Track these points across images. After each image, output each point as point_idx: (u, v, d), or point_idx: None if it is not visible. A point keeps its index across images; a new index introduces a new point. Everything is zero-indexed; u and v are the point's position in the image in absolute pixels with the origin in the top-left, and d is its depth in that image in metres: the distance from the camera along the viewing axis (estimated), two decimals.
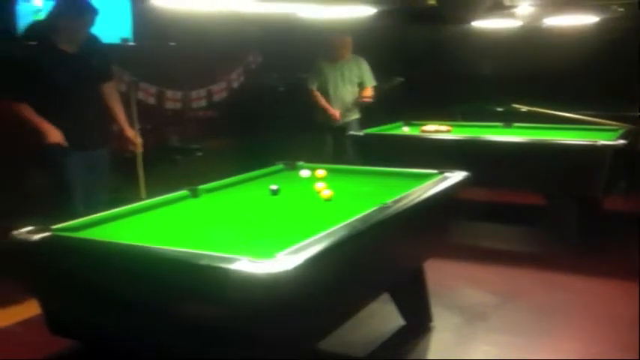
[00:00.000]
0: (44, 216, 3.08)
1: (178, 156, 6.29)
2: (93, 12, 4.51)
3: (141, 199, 3.77)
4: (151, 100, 6.49)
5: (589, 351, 3.59)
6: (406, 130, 6.33)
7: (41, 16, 5.69)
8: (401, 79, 6.85)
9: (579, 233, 5.27)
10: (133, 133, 4.82)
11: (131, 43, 7.57)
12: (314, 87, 6.87)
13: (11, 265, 2.82)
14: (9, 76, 4.43)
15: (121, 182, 5.21)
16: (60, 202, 4.38)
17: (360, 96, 6.83)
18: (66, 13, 4.43)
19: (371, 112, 6.99)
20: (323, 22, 5.87)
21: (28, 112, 4.34)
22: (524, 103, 7.89)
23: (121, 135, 4.81)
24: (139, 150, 4.91)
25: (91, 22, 4.51)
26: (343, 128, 6.70)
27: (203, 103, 7.18)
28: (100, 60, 4.68)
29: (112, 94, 4.75)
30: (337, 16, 5.50)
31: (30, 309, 3.51)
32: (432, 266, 3.86)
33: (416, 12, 7.35)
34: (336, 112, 6.77)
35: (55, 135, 4.35)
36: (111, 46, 6.64)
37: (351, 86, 6.88)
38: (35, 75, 4.32)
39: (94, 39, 4.66)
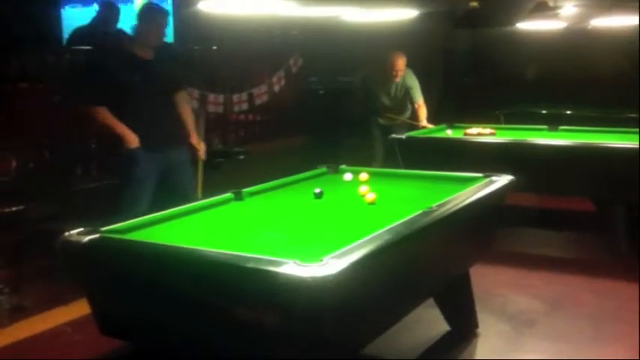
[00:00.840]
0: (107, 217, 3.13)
1: (221, 159, 6.33)
2: (165, 15, 4.70)
3: (197, 199, 3.83)
4: (194, 104, 6.55)
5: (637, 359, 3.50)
6: (449, 133, 6.28)
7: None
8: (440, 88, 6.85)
9: (629, 240, 5.15)
10: (197, 141, 4.94)
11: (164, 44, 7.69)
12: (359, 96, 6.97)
13: (62, 267, 2.86)
14: (86, 81, 4.65)
15: None
16: (127, 203, 4.48)
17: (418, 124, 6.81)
18: (142, 19, 4.59)
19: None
20: (365, 25, 5.86)
21: (105, 116, 4.45)
22: (568, 106, 7.79)
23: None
24: (202, 157, 5.02)
25: (164, 25, 4.68)
26: (391, 126, 6.76)
27: (245, 106, 7.22)
28: (173, 67, 4.86)
29: (183, 102, 4.89)
30: (379, 20, 5.48)
31: (79, 309, 3.57)
32: (478, 272, 3.81)
33: (459, 14, 7.29)
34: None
35: (132, 139, 4.47)
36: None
37: (401, 100, 6.90)
38: (111, 80, 4.45)
39: (168, 46, 4.84)
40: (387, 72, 6.75)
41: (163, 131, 4.62)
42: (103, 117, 4.46)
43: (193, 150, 4.91)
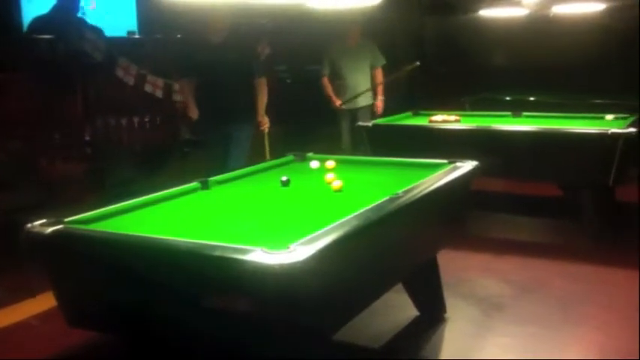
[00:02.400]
0: None
1: (188, 149, 6.28)
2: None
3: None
4: (158, 93, 6.51)
5: (607, 341, 3.57)
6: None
7: None
8: (417, 64, 6.91)
9: (596, 223, 5.23)
10: (264, 119, 5.61)
11: (137, 36, 7.59)
12: (325, 73, 7.05)
13: (25, 258, 2.82)
14: (176, 59, 5.79)
15: None
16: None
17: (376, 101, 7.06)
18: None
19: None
20: (333, 13, 5.85)
21: (187, 88, 5.39)
22: (532, 92, 7.87)
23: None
24: (265, 129, 5.62)
25: (222, 16, 5.27)
26: (357, 112, 6.92)
27: None
28: (245, 53, 5.52)
29: (261, 88, 5.57)
30: (345, 6, 5.47)
31: (47, 301, 3.52)
32: (447, 257, 3.85)
33: (424, 2, 7.33)
34: (337, 101, 7.00)
35: (194, 112, 5.31)
36: (117, 40, 6.70)
37: (363, 70, 7.02)
38: (191, 61, 5.31)
39: (240, 37, 5.53)
40: (345, 40, 7.00)
41: (232, 107, 5.33)
42: (185, 87, 5.42)
43: (260, 125, 5.56)
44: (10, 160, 5.23)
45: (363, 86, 6.98)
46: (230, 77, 5.27)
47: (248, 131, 5.53)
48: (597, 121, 5.66)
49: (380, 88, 7.04)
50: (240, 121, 5.42)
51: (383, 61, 7.07)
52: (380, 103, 7.03)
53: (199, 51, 5.27)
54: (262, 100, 5.61)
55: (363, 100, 7.03)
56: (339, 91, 7.04)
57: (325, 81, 7.03)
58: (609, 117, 5.85)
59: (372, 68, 7.05)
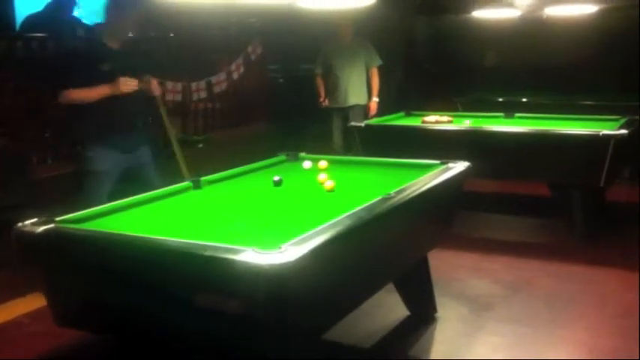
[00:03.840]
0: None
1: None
2: (136, 7, 4.57)
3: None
4: (178, 97, 6.57)
5: (596, 341, 3.59)
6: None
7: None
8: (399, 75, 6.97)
9: (585, 223, 5.24)
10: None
11: (129, 35, 7.56)
12: (319, 72, 7.05)
13: (16, 257, 2.81)
14: (58, 68, 4.60)
15: None
16: (87, 194, 4.40)
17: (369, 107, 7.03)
18: (112, 10, 4.47)
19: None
20: (324, 12, 5.85)
21: (80, 92, 4.33)
22: (524, 93, 7.89)
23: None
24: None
25: (136, 18, 4.59)
26: (349, 112, 6.90)
27: (203, 94, 7.16)
28: (142, 58, 4.78)
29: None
30: (338, 6, 5.47)
31: (37, 300, 3.52)
32: (437, 257, 3.86)
33: (417, 2, 7.35)
34: (323, 99, 7.05)
35: (126, 84, 4.34)
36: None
37: (357, 68, 6.98)
38: (80, 69, 4.38)
39: (137, 39, 4.80)
40: (337, 39, 6.98)
41: (130, 127, 4.54)
42: (78, 94, 4.34)
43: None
44: (1, 159, 5.20)
45: (357, 84, 6.96)
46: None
47: (149, 152, 4.75)
48: (589, 123, 5.68)
49: (375, 89, 7.01)
50: (142, 143, 4.67)
51: (379, 62, 7.04)
52: (374, 105, 7.01)
53: (94, 59, 4.41)
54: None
55: (355, 99, 7.00)
56: (332, 89, 7.03)
57: (318, 79, 7.03)
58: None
59: (368, 68, 7.02)
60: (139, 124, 4.65)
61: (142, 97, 4.59)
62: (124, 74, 4.38)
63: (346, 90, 6.95)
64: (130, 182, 4.50)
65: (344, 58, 6.95)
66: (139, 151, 4.62)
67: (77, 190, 4.54)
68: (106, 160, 4.44)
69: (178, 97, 6.84)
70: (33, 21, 6.59)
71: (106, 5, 4.54)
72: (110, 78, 4.35)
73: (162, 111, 4.92)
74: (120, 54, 4.50)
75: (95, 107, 4.34)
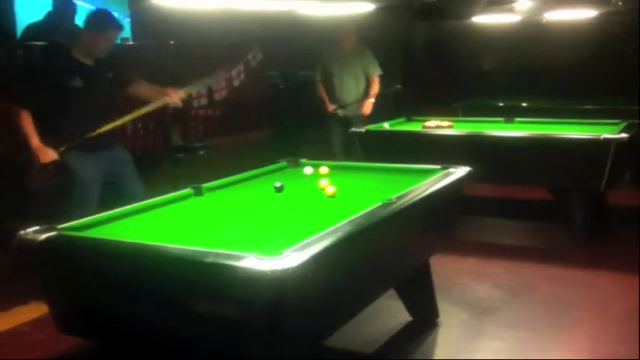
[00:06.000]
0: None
1: (181, 154, 6.28)
2: (118, 28, 4.55)
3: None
4: (203, 101, 6.58)
5: (597, 345, 3.59)
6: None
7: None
8: (399, 87, 6.90)
9: (586, 227, 5.25)
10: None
11: (130, 42, 7.59)
12: (319, 78, 6.99)
13: (18, 265, 2.82)
14: (20, 79, 4.52)
15: None
16: (77, 202, 4.37)
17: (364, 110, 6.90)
18: (91, 27, 4.44)
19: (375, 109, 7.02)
20: (323, 19, 5.87)
21: (27, 122, 4.28)
22: (524, 98, 7.90)
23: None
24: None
25: (115, 39, 4.56)
26: (349, 119, 6.77)
27: (204, 101, 7.17)
28: (116, 71, 4.69)
29: (140, 85, 4.78)
30: (337, 13, 5.50)
31: (39, 308, 3.52)
32: (438, 262, 3.86)
33: (416, 8, 7.35)
34: (330, 106, 6.91)
35: (45, 153, 4.29)
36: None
37: (356, 76, 6.92)
38: (47, 83, 4.34)
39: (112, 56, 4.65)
40: (338, 45, 6.89)
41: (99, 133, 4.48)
42: (24, 122, 4.28)
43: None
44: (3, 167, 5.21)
45: (355, 92, 6.90)
46: (97, 102, 4.50)
47: (128, 153, 4.85)
48: (590, 127, 5.69)
49: (372, 94, 6.92)
50: (112, 144, 4.69)
51: (379, 71, 6.93)
52: (368, 104, 6.85)
53: (62, 72, 4.39)
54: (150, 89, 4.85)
55: (356, 110, 6.94)
56: (331, 96, 7.00)
57: (319, 86, 7.00)
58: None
59: (368, 76, 6.93)
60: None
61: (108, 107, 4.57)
62: (91, 90, 4.38)
63: (345, 97, 6.89)
64: (113, 184, 4.55)
65: (343, 66, 6.88)
66: (114, 150, 4.64)
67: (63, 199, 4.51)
68: (87, 164, 4.43)
69: (179, 104, 6.84)
70: (33, 30, 6.61)
71: (86, 22, 4.51)
72: (83, 94, 4.34)
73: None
74: (92, 69, 4.46)
75: (66, 109, 4.35)
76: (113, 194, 4.50)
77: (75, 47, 4.48)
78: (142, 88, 4.80)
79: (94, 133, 4.43)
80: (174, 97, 4.74)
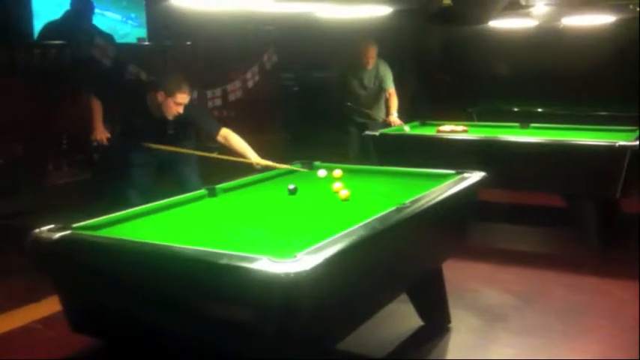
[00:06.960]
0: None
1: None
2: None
3: None
4: (218, 102, 6.62)
5: (609, 353, 3.56)
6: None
7: None
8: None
9: (599, 235, 5.21)
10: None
11: (147, 43, 7.63)
12: (349, 102, 6.88)
13: (32, 263, 2.83)
14: (96, 76, 5.38)
15: None
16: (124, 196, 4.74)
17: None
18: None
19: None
20: (340, 22, 5.86)
21: (96, 107, 4.95)
22: (540, 103, 7.87)
23: None
24: None
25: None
26: (366, 123, 6.75)
27: (218, 102, 7.19)
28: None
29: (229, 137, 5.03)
30: (354, 16, 5.49)
31: (51, 306, 3.53)
32: (451, 267, 3.84)
33: (432, 12, 7.33)
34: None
35: (100, 133, 4.94)
36: (127, 46, 6.74)
37: (376, 90, 6.86)
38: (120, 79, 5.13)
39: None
40: (359, 61, 6.77)
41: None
42: (94, 106, 4.93)
43: None
44: (17, 165, 5.25)
45: (375, 104, 6.87)
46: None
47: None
48: (605, 134, 5.66)
49: (393, 108, 6.80)
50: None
51: (392, 87, 6.84)
52: (396, 120, 6.71)
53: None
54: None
55: (374, 115, 6.89)
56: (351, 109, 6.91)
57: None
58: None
59: (384, 90, 6.86)
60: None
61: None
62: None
63: (364, 108, 6.85)
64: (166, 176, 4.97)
65: (364, 81, 6.82)
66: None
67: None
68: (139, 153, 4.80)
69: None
70: (52, 29, 6.65)
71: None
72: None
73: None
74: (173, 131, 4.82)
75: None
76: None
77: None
78: (231, 141, 4.93)
79: (153, 145, 4.77)
80: (260, 162, 4.70)
